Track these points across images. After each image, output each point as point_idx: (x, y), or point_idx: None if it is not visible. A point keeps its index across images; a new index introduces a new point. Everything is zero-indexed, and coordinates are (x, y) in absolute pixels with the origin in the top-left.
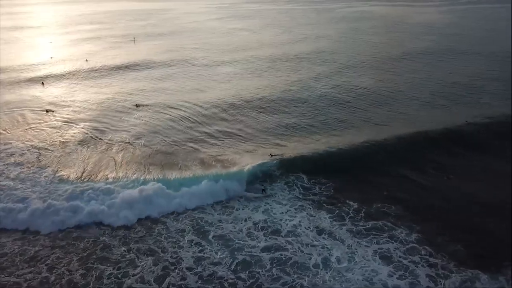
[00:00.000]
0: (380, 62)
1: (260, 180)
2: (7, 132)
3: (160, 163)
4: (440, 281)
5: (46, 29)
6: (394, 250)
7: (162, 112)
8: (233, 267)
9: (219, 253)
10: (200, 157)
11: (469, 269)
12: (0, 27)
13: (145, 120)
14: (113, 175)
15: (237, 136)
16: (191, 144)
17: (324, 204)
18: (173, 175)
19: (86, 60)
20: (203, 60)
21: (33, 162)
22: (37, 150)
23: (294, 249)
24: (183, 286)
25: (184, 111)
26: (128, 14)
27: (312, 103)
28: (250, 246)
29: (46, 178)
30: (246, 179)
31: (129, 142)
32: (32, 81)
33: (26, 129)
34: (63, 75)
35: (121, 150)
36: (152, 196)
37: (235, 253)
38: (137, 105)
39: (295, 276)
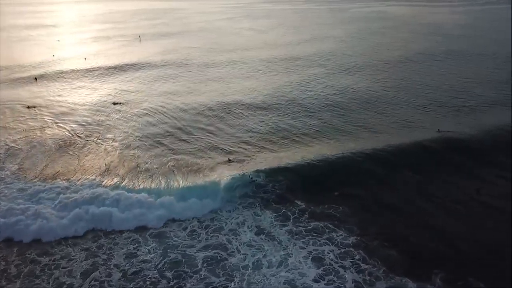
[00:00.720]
0: (379, 64)
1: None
2: None
3: (124, 164)
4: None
5: (60, 27)
6: (328, 253)
7: (143, 111)
8: (160, 265)
9: (151, 251)
10: (161, 158)
11: (397, 276)
12: (19, 25)
13: (125, 119)
14: (70, 176)
15: (209, 137)
16: (159, 144)
17: (273, 203)
18: (135, 184)
19: (85, 59)
20: (201, 60)
21: (1, 160)
22: (6, 146)
23: (232, 249)
24: (105, 281)
25: (165, 111)
26: (144, 13)
27: (295, 105)
28: (187, 245)
29: (3, 177)
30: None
31: (100, 139)
32: (26, 78)
33: (2, 125)
34: (59, 73)
35: (89, 148)
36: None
37: (168, 251)
38: (114, 103)
39: (223, 278)
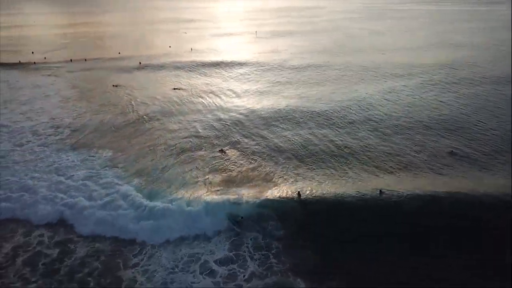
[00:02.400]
0: (492, 79)
1: None
2: (69, 99)
3: (149, 154)
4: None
5: (196, 22)
6: (250, 240)
7: (209, 105)
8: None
9: None
10: (191, 161)
11: (293, 276)
12: (166, 19)
13: (185, 107)
14: (95, 149)
15: (243, 144)
16: (203, 143)
17: None
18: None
19: (191, 49)
20: (296, 61)
21: (66, 125)
22: (78, 115)
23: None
24: None
25: (223, 111)
26: (283, 11)
27: (361, 119)
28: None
29: (49, 142)
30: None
31: (150, 122)
32: (134, 64)
33: (86, 98)
34: (163, 61)
35: (136, 129)
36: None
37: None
38: (174, 88)
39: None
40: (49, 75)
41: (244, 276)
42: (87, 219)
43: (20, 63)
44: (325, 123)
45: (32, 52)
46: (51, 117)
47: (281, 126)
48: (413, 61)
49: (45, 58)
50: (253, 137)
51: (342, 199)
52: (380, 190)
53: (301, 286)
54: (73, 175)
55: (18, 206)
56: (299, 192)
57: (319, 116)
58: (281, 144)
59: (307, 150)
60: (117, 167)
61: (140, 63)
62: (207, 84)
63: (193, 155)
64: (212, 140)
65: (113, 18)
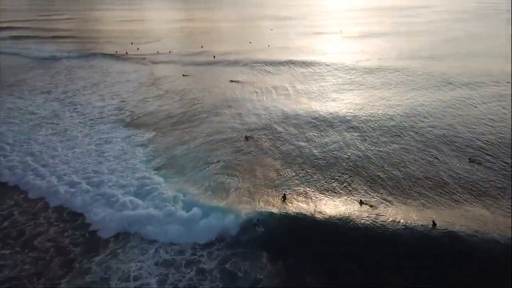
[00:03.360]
0: None
1: None
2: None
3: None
4: None
5: (286, 20)
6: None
7: (258, 105)
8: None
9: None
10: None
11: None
12: (258, 15)
13: (239, 104)
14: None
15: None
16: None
17: None
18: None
19: (268, 46)
20: (366, 64)
21: (129, 107)
22: (145, 99)
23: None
24: None
25: (272, 104)
26: (382, 10)
27: (411, 132)
28: None
29: (107, 125)
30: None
31: (200, 117)
32: (208, 58)
33: (157, 84)
34: (237, 56)
35: (184, 120)
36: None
37: None
38: (231, 81)
39: None
40: (136, 63)
41: (218, 246)
42: (105, 190)
43: (116, 54)
44: (364, 128)
45: (132, 43)
46: (121, 100)
47: (318, 125)
48: (496, 69)
49: (137, 49)
50: (285, 129)
51: (327, 208)
52: (360, 200)
53: (263, 259)
54: (108, 151)
55: (55, 175)
56: (284, 194)
57: (361, 120)
58: (306, 140)
59: (327, 152)
60: (149, 147)
61: (214, 57)
62: (270, 80)
63: (222, 138)
64: (249, 125)
65: (214, 15)
